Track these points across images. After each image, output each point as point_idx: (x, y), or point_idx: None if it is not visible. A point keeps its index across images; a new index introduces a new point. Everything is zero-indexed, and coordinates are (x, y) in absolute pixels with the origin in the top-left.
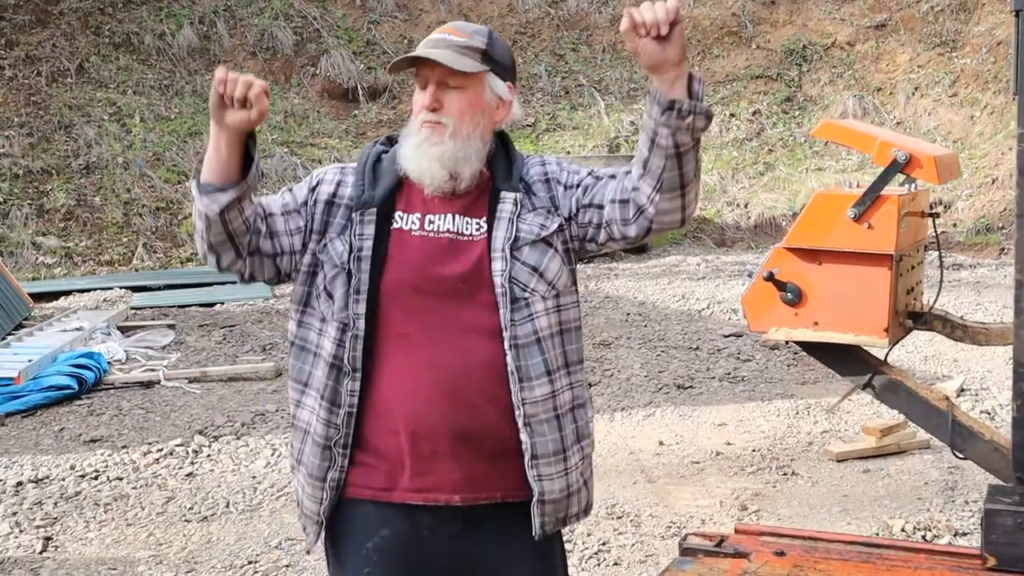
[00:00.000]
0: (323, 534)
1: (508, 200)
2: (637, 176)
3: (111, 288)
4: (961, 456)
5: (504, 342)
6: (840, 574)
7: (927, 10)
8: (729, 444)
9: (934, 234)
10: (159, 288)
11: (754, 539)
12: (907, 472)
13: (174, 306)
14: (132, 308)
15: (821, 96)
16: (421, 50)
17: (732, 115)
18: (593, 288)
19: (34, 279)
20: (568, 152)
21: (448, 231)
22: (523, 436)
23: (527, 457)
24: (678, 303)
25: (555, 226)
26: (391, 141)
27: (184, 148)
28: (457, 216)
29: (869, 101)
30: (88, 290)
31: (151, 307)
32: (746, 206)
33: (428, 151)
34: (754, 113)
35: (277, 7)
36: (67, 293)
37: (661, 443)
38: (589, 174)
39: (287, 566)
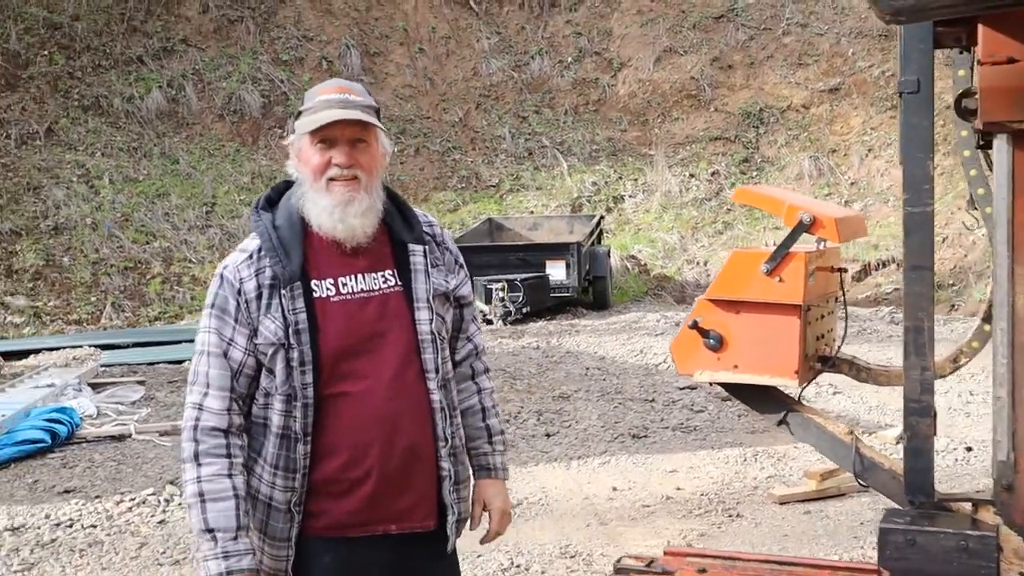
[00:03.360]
0: None
1: (418, 253)
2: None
3: (80, 346)
4: (864, 484)
5: (431, 382)
6: None
7: (879, 75)
8: (679, 489)
9: (888, 288)
10: (128, 346)
11: (680, 559)
12: (845, 513)
13: (143, 363)
14: (102, 365)
15: (778, 157)
16: (333, 111)
17: (691, 175)
18: (555, 344)
19: (2, 338)
20: (532, 212)
21: (362, 291)
22: (446, 464)
23: (449, 483)
24: (636, 358)
25: (453, 284)
26: (270, 202)
27: (152, 209)
28: (365, 275)
29: (824, 162)
30: (57, 348)
31: (120, 364)
32: (706, 264)
33: (352, 209)
34: (713, 174)
35: (245, 71)
36: (36, 351)
37: (614, 488)
38: (468, 286)
39: None
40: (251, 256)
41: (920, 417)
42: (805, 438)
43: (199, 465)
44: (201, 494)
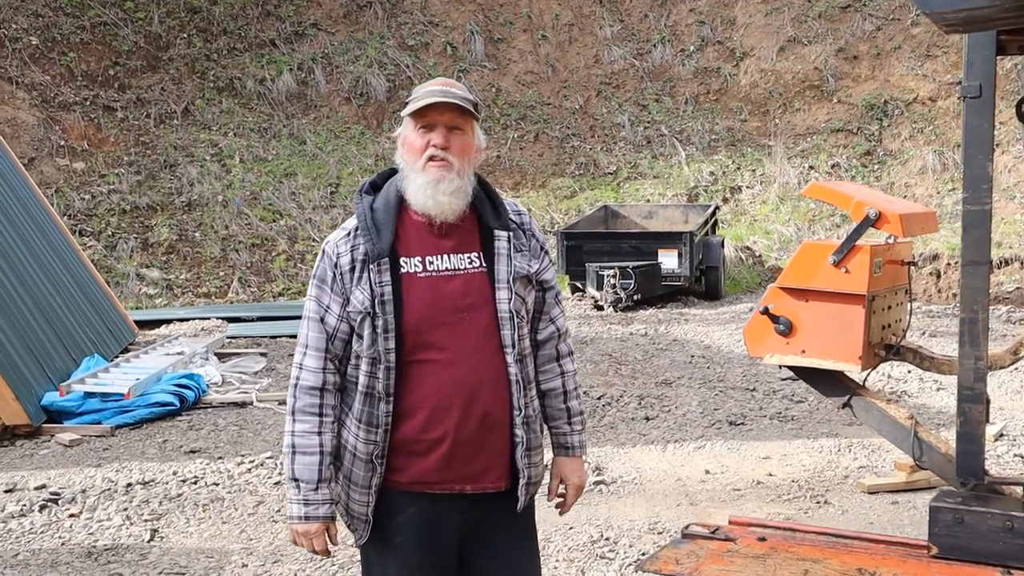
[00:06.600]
0: (370, 528)
1: (503, 238)
2: (544, 363)
3: (208, 318)
4: (921, 466)
5: (508, 356)
6: (806, 555)
7: (1009, 68)
8: (771, 475)
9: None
10: (252, 319)
11: (744, 528)
12: None
13: (266, 336)
14: (228, 337)
15: (901, 150)
16: (439, 97)
17: (811, 167)
18: (662, 331)
19: (137, 308)
20: (648, 200)
21: (446, 269)
22: (520, 432)
23: (521, 449)
24: (742, 347)
25: (535, 268)
26: (374, 187)
27: (279, 188)
28: (451, 255)
29: (949, 156)
30: (187, 319)
31: (245, 337)
32: None
33: (442, 187)
34: (833, 166)
35: (372, 55)
36: (167, 321)
37: (707, 472)
38: (551, 272)
39: (359, 560)
40: (349, 234)
41: (972, 403)
42: (867, 421)
43: (295, 420)
44: (293, 446)
